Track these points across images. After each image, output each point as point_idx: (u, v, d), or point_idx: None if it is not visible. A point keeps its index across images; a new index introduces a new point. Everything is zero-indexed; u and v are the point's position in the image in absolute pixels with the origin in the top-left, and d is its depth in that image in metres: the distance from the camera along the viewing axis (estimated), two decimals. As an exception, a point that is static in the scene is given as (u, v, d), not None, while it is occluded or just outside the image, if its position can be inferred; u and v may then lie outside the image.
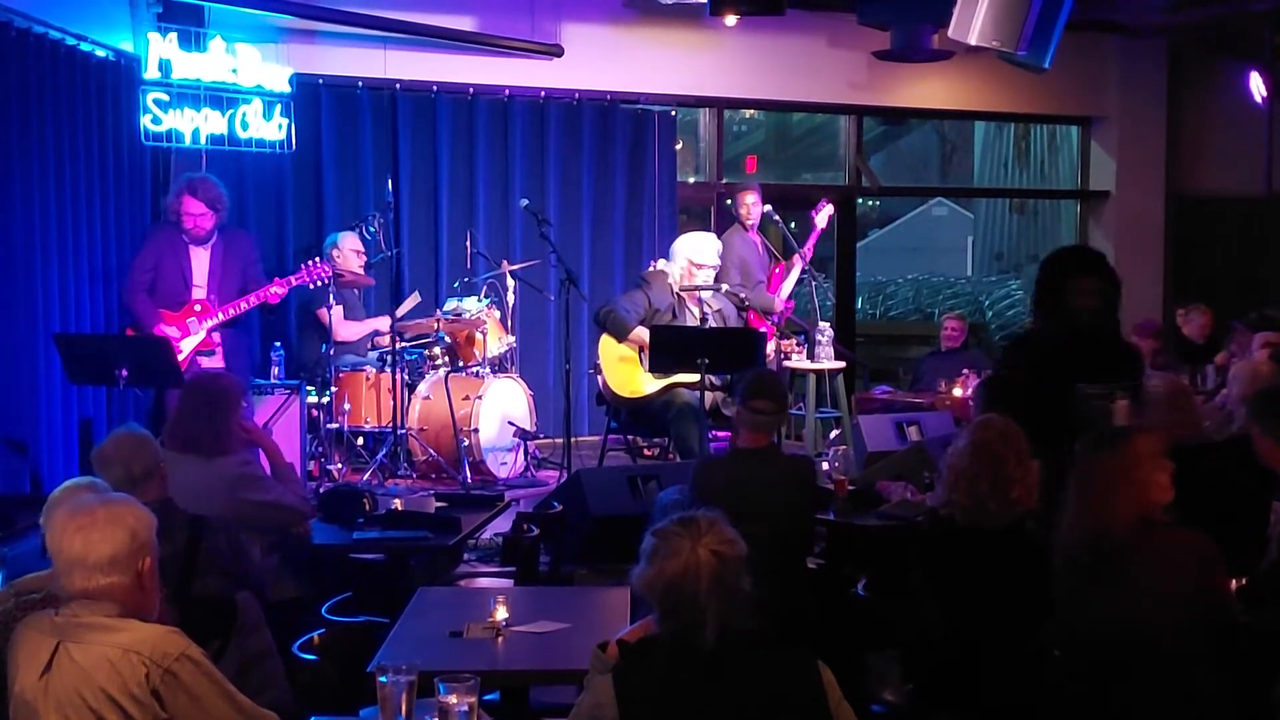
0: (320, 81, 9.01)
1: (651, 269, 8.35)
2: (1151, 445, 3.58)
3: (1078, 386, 4.68)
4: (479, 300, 8.29)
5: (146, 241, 7.51)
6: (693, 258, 7.95)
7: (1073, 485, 3.61)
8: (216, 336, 7.32)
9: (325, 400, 7.85)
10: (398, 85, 9.26)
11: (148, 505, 3.10)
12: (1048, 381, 4.72)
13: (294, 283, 7.49)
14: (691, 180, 10.96)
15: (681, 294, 7.95)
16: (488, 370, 8.15)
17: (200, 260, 7.35)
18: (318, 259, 7.77)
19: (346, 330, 8.22)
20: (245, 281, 7.44)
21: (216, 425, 4.71)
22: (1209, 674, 3.42)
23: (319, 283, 7.60)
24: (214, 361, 7.31)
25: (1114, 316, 5.09)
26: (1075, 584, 3.59)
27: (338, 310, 7.92)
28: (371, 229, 8.29)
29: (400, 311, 8.08)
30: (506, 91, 9.56)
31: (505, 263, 8.68)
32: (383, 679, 2.84)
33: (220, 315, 7.29)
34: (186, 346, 7.23)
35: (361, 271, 8.21)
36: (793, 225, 9.62)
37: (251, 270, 7.54)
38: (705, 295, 7.98)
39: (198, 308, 7.25)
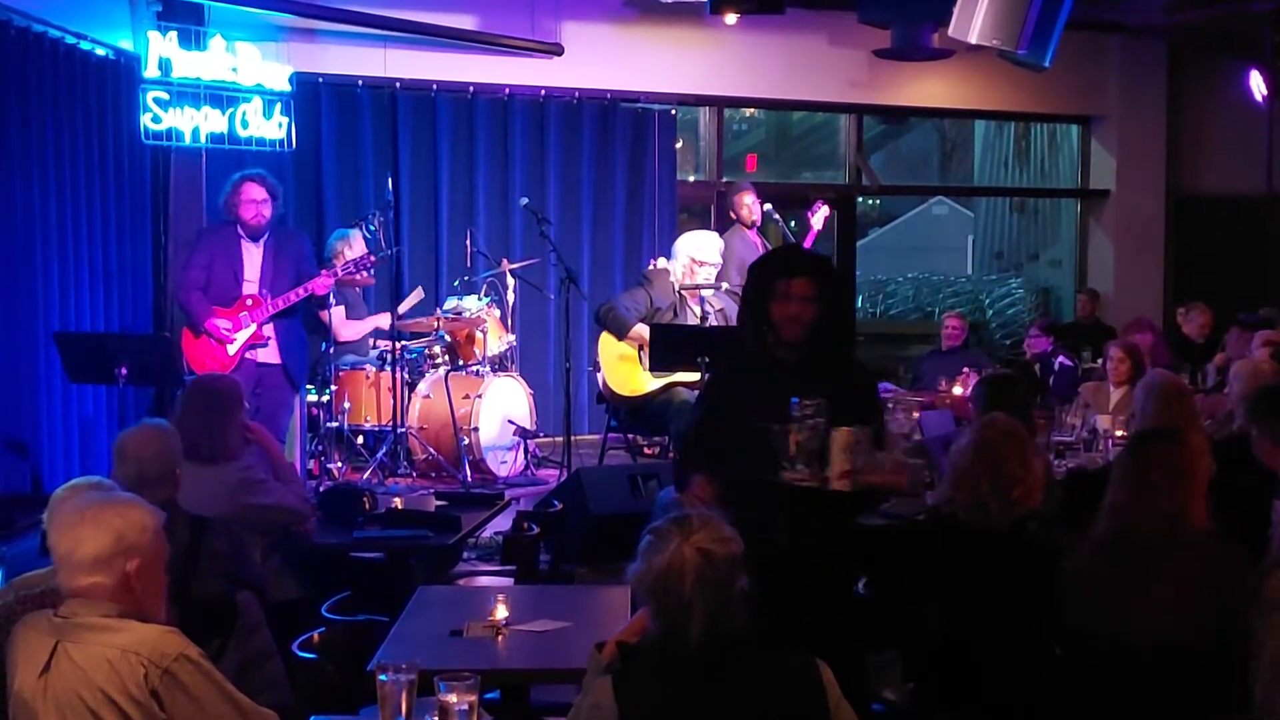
0: (320, 80, 9.01)
1: (653, 267, 8.35)
2: (1205, 444, 3.61)
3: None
4: (479, 299, 8.29)
5: (201, 240, 7.43)
6: (695, 256, 7.94)
7: (1124, 476, 3.62)
8: (269, 329, 7.30)
9: (325, 399, 7.85)
10: (398, 84, 9.26)
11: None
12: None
13: (340, 274, 7.46)
14: (691, 179, 10.97)
15: (683, 292, 7.94)
16: (488, 369, 8.15)
17: (252, 257, 7.31)
18: (365, 252, 7.79)
19: (348, 330, 8.22)
20: (299, 277, 7.36)
21: (215, 431, 4.70)
22: (1215, 681, 3.41)
23: (365, 272, 7.62)
24: (269, 354, 7.25)
25: (837, 328, 4.03)
26: (1096, 577, 3.58)
27: (339, 310, 7.92)
28: (372, 228, 8.29)
29: (403, 308, 8.07)
30: (506, 90, 9.55)
31: (505, 261, 8.67)
32: (383, 678, 2.83)
33: (271, 308, 7.28)
34: (240, 339, 7.21)
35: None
36: (792, 224, 9.63)
37: (305, 265, 7.45)
38: (707, 294, 7.98)
39: (249, 302, 7.22)
